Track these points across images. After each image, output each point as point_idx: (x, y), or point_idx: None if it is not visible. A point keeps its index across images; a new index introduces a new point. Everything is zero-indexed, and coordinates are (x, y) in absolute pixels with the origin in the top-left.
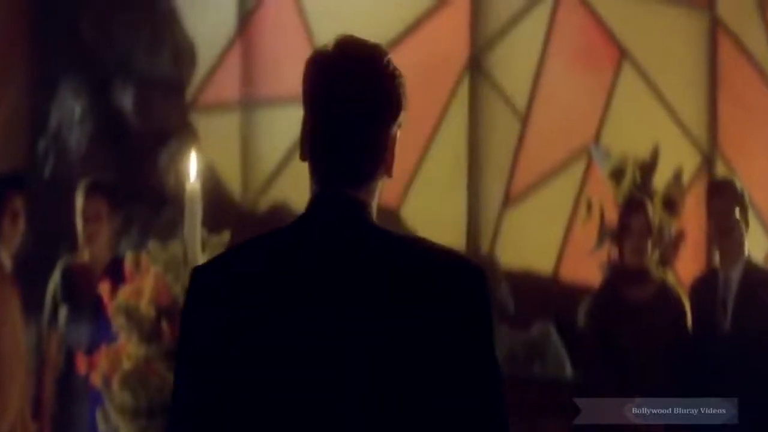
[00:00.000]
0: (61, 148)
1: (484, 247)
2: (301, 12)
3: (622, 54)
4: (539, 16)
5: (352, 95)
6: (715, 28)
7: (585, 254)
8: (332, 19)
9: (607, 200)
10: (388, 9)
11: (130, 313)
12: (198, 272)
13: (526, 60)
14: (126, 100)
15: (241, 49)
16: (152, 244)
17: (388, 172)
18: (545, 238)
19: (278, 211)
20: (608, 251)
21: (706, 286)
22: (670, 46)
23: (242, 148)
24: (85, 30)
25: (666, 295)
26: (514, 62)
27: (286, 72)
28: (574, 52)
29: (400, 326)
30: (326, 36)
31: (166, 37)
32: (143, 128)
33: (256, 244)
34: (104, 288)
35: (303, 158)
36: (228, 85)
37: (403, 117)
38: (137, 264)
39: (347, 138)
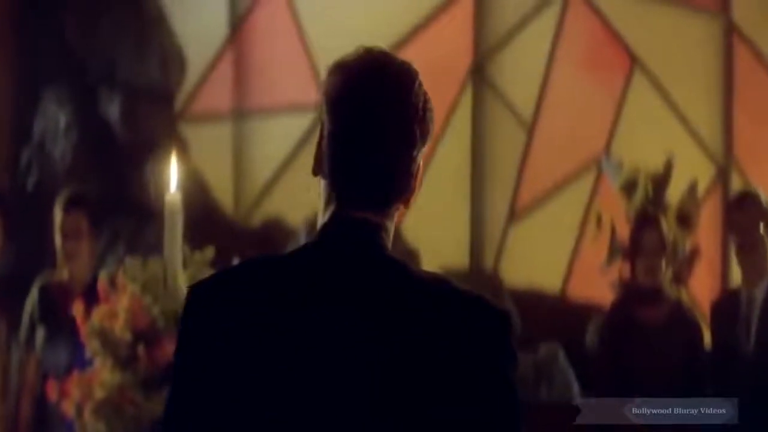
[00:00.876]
0: (44, 160)
1: (488, 264)
2: (295, 17)
3: (633, 61)
4: (546, 21)
5: (384, 112)
6: (731, 33)
7: (594, 272)
8: (328, 25)
9: (618, 215)
10: (386, 14)
11: (105, 337)
12: (197, 291)
13: (532, 67)
14: (112, 109)
15: (232, 56)
16: (129, 262)
17: (408, 202)
18: (552, 254)
19: (271, 226)
20: (619, 269)
21: (727, 306)
22: (684, 53)
23: (234, 159)
24: (70, 36)
25: (681, 316)
26: (519, 69)
27: (280, 80)
28: (582, 58)
29: (412, 369)
30: (322, 42)
31: (154, 43)
32: (130, 139)
33: (264, 265)
34: (78, 309)
35: (316, 173)
36: (219, 93)
37: (428, 142)
38: (113, 283)
39: (375, 158)
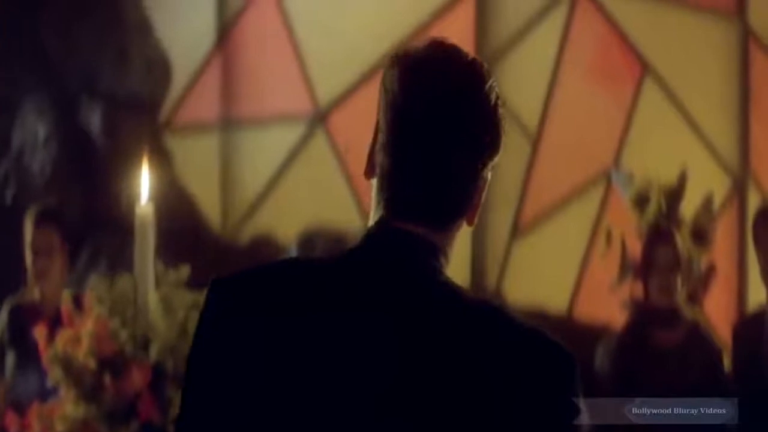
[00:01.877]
0: (23, 173)
1: (490, 282)
2: (286, 22)
3: (645, 68)
4: (552, 26)
5: (449, 113)
6: (747, 38)
7: (603, 291)
8: (321, 30)
9: (628, 230)
10: (383, 19)
11: (68, 365)
12: (222, 285)
13: (538, 74)
14: (93, 120)
15: (220, 64)
16: (95, 280)
17: (471, 219)
18: (558, 272)
19: (261, 243)
20: (630, 288)
21: (750, 328)
22: (697, 59)
23: (222, 173)
24: (49, 44)
25: (699, 339)
26: (523, 76)
27: (271, 88)
28: (590, 65)
29: (453, 407)
30: (315, 50)
31: (137, 50)
32: (112, 151)
33: (297, 267)
34: (41, 333)
35: (368, 176)
36: (206, 103)
37: (498, 159)
38: (79, 304)
39: (433, 166)
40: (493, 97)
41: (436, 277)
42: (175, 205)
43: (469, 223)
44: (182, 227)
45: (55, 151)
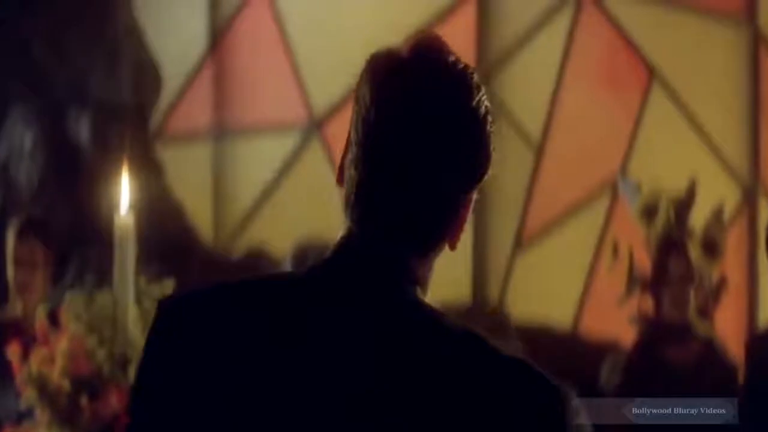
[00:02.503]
0: (8, 184)
1: (493, 296)
2: (281, 28)
3: (652, 73)
4: (556, 31)
5: (433, 135)
6: (757, 43)
7: (610, 306)
8: (317, 36)
9: (636, 242)
10: (381, 25)
11: (43, 386)
12: (170, 306)
13: (541, 81)
14: (82, 129)
15: (212, 71)
16: (71, 296)
17: (453, 244)
18: (563, 286)
19: (255, 256)
20: (638, 302)
21: (766, 343)
22: (706, 65)
23: (214, 183)
24: (36, 51)
25: (713, 356)
26: (526, 84)
27: (265, 96)
28: (596, 71)
29: None
30: (310, 56)
31: (127, 57)
32: (101, 161)
33: (254, 286)
34: (14, 351)
35: (340, 182)
36: (197, 111)
37: (486, 178)
38: (55, 320)
39: (411, 188)
40: (481, 112)
41: (408, 298)
42: (166, 217)
43: (452, 248)
44: (173, 240)
45: (41, 162)
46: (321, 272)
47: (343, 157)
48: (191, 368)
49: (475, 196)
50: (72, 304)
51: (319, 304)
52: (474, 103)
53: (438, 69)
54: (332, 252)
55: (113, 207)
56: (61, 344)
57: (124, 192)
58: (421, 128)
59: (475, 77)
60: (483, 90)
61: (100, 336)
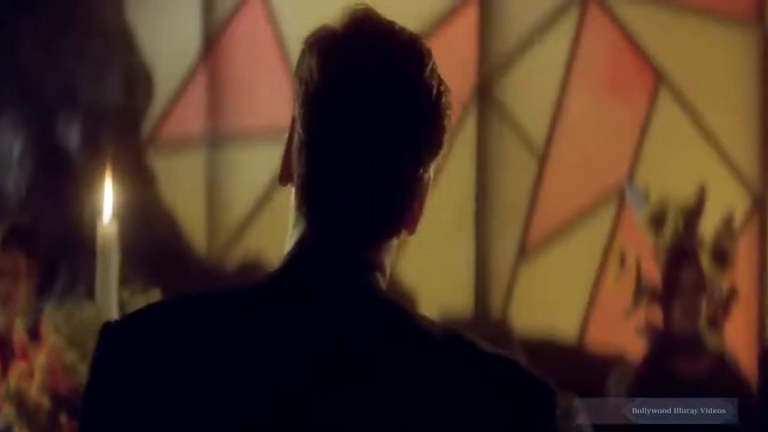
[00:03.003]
0: None
1: (495, 308)
2: (277, 31)
3: (659, 78)
4: (561, 35)
5: (385, 108)
6: (767, 45)
7: (616, 317)
8: None
9: (643, 251)
10: None
11: (21, 403)
12: (114, 331)
13: (545, 86)
14: (72, 136)
15: (206, 76)
16: (51, 308)
17: (411, 228)
18: (569, 297)
19: (250, 267)
20: (646, 313)
21: None
22: (715, 69)
23: (208, 191)
24: (25, 55)
25: (726, 370)
26: (530, 88)
27: (260, 102)
28: (601, 75)
29: None
30: None
31: (118, 61)
32: (92, 169)
33: (206, 303)
34: None
35: (284, 181)
36: (191, 117)
37: (442, 155)
38: (35, 333)
39: (369, 172)
40: (434, 82)
41: (374, 296)
42: (158, 227)
43: (410, 232)
44: (165, 250)
45: (30, 169)
46: (276, 280)
47: (287, 151)
48: (138, 392)
49: (431, 174)
50: (52, 316)
51: (274, 312)
52: (426, 72)
53: (386, 40)
54: (286, 255)
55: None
56: (40, 358)
57: (108, 199)
58: (370, 104)
59: (424, 45)
60: (433, 58)
61: (81, 350)
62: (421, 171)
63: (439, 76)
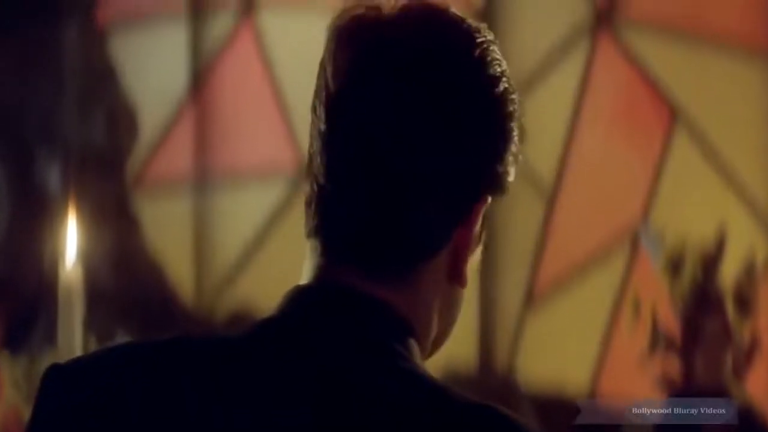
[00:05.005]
0: None
1: (501, 359)
2: (268, 67)
3: (674, 113)
4: (571, 68)
5: (423, 112)
6: None
7: (630, 369)
8: (307, 76)
9: (659, 298)
10: None
11: None
12: (60, 375)
13: (554, 122)
14: (51, 177)
15: (194, 114)
16: (9, 360)
17: (458, 274)
18: (579, 347)
19: (240, 317)
20: (662, 364)
21: None
22: (733, 104)
23: (195, 236)
24: (2, 91)
25: (753, 424)
26: (537, 126)
27: (250, 142)
28: (613, 111)
29: None
30: (300, 98)
31: (101, 98)
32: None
33: (165, 351)
34: None
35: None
36: (178, 158)
37: (512, 172)
38: None
39: (398, 198)
40: (501, 84)
41: (397, 364)
42: (142, 275)
43: (458, 281)
44: (149, 299)
45: (8, 211)
46: (273, 328)
47: (309, 165)
48: None
49: (486, 201)
50: (9, 368)
51: (264, 375)
52: (490, 71)
53: (431, 25)
54: (289, 294)
55: (85, 262)
56: None
57: (71, 242)
58: (407, 106)
59: (490, 35)
60: (498, 52)
61: None
62: (471, 199)
63: (504, 71)
